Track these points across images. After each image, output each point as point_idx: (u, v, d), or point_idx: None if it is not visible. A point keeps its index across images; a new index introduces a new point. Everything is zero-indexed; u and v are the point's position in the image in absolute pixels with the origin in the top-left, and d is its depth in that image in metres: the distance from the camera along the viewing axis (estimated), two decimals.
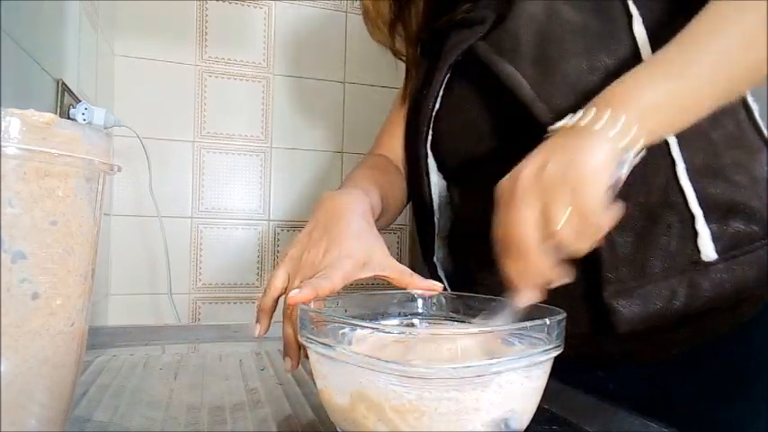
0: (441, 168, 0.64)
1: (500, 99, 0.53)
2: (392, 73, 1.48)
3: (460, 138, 0.60)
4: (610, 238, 0.48)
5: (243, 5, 1.37)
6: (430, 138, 0.62)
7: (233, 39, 1.35)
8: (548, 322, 0.35)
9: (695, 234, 0.48)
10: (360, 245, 0.46)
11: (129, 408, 0.43)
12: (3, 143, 0.26)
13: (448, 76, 0.60)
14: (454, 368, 0.31)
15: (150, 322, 1.27)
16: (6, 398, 0.27)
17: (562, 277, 0.40)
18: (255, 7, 1.38)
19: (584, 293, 0.51)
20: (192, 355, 0.62)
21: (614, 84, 0.43)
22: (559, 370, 0.41)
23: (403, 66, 0.73)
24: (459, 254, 0.65)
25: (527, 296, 0.40)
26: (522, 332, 0.37)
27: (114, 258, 1.27)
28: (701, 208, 0.48)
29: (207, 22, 1.33)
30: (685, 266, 0.48)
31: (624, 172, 0.41)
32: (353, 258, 0.45)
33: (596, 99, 0.43)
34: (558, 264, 0.40)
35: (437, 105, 0.61)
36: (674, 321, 0.49)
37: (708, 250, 0.48)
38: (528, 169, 0.40)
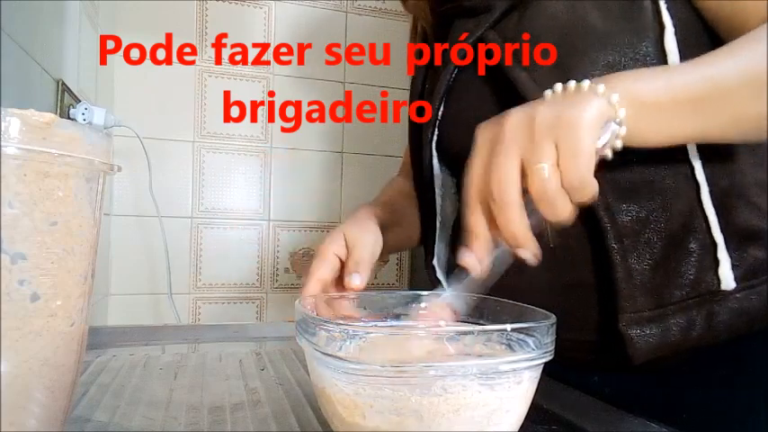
0: (448, 167, 0.62)
1: (510, 98, 0.50)
2: (392, 73, 1.49)
3: (463, 137, 0.58)
4: (627, 266, 0.47)
5: (243, 5, 1.37)
6: (435, 138, 0.60)
7: (233, 39, 1.35)
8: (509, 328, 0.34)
9: (716, 262, 0.46)
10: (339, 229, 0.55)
11: (129, 408, 0.43)
12: (3, 143, 0.26)
13: (455, 72, 0.57)
14: (381, 366, 0.31)
15: (150, 322, 1.27)
16: (6, 398, 0.27)
17: (531, 247, 0.36)
18: (255, 7, 1.38)
19: (598, 320, 0.50)
20: (192, 355, 0.62)
21: (627, 75, 0.41)
22: (557, 371, 0.41)
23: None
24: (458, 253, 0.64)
25: (477, 263, 0.37)
26: (514, 337, 0.37)
27: (114, 258, 1.27)
28: (723, 234, 0.47)
29: (207, 22, 1.33)
30: (704, 296, 0.47)
31: (607, 144, 0.38)
32: (327, 242, 0.54)
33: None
34: (531, 229, 0.36)
35: (442, 107, 0.59)
36: (689, 349, 0.47)
37: (728, 279, 0.46)
38: (515, 116, 0.37)
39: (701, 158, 0.47)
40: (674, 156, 0.47)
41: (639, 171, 0.47)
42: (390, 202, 0.67)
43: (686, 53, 0.46)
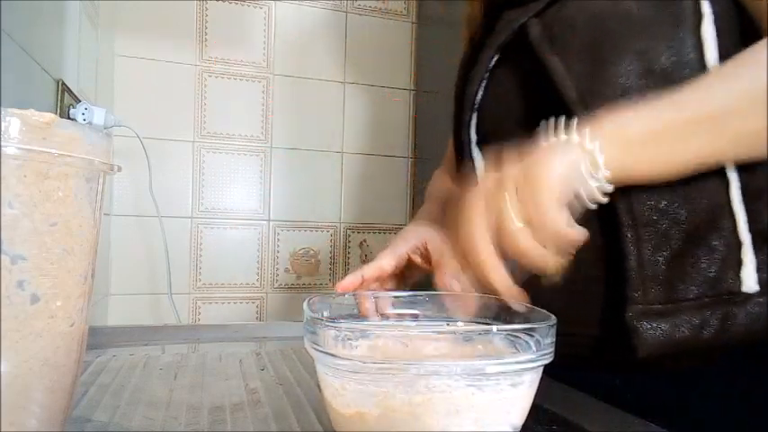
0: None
1: (544, 87, 0.50)
2: (392, 73, 1.49)
3: (501, 123, 0.58)
4: (639, 254, 0.46)
5: (243, 5, 1.37)
6: (474, 122, 0.60)
7: (233, 39, 1.35)
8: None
9: (739, 262, 0.45)
10: (414, 228, 0.57)
11: (129, 408, 0.43)
12: (3, 143, 0.26)
13: (496, 57, 0.57)
14: (362, 362, 0.31)
15: (150, 322, 1.27)
16: (6, 398, 0.27)
17: (512, 295, 0.39)
18: (255, 7, 1.38)
19: (604, 308, 0.49)
20: (192, 355, 0.62)
21: (614, 111, 0.42)
22: (557, 371, 0.41)
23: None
24: None
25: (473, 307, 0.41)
26: (515, 335, 0.37)
27: (114, 258, 1.27)
28: (751, 235, 0.45)
29: (207, 22, 1.33)
30: (722, 296, 0.45)
31: (584, 195, 0.40)
32: (403, 237, 0.55)
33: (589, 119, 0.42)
34: (518, 281, 0.39)
35: (481, 90, 0.58)
36: (699, 351, 0.46)
37: (750, 281, 0.45)
38: (488, 180, 0.40)
39: None
40: None
41: None
42: (440, 200, 0.67)
43: (722, 44, 0.45)
